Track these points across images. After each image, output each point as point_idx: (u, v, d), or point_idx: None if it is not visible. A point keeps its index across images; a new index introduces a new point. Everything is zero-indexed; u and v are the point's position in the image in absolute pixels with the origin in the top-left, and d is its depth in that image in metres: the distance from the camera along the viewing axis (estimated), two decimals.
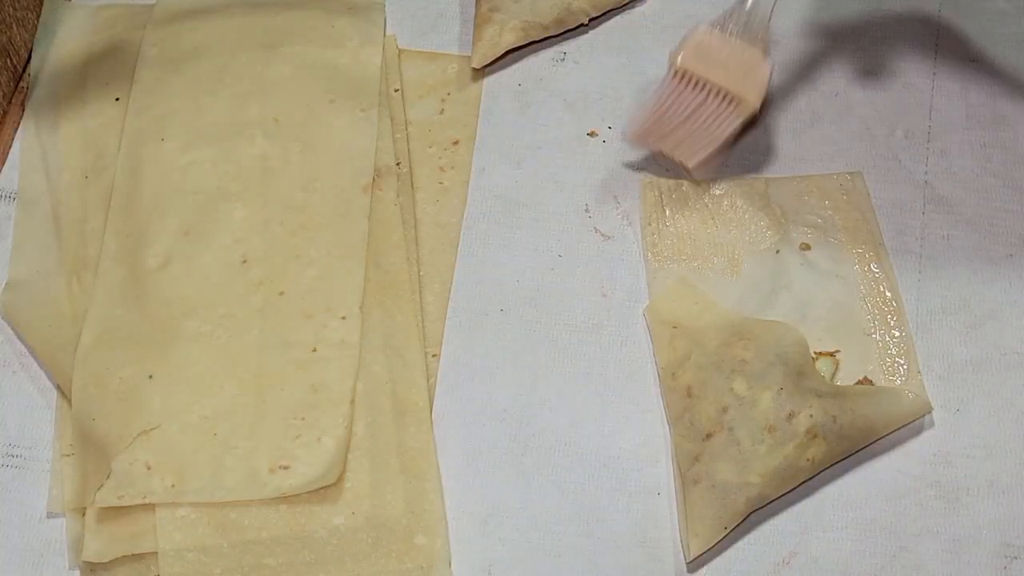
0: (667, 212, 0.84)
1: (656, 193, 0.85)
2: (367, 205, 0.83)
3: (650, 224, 0.84)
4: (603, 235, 0.85)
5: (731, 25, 0.81)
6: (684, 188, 0.85)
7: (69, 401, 0.77)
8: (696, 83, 0.82)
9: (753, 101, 0.81)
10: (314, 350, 0.78)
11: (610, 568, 0.74)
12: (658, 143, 0.84)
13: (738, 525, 0.73)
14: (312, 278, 0.80)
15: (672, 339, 0.79)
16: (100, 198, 0.84)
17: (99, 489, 0.73)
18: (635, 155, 0.87)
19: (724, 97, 0.81)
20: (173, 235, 0.82)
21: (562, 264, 0.84)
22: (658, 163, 0.86)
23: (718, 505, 0.73)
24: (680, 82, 0.82)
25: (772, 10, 0.81)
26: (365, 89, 0.88)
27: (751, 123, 0.85)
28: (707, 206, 0.84)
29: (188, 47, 0.90)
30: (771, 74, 0.82)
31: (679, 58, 0.81)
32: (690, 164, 0.83)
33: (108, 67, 0.90)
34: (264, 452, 0.74)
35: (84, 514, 0.73)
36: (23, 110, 0.90)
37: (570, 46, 0.92)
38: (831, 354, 0.79)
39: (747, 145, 0.87)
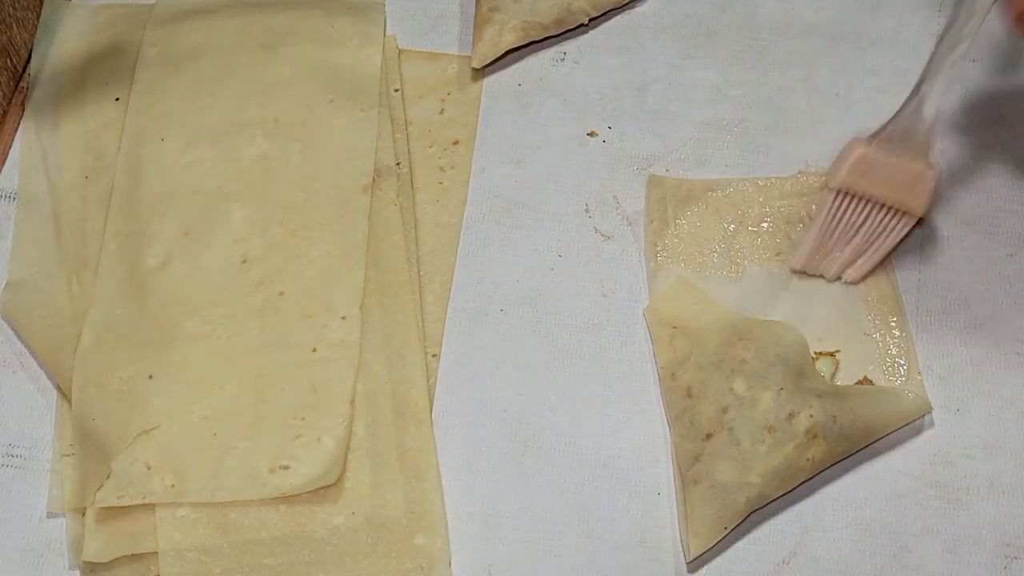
0: (669, 211, 0.84)
1: (660, 191, 0.85)
2: (367, 205, 0.83)
3: (652, 223, 0.84)
4: (603, 235, 0.85)
5: (891, 134, 0.78)
6: (687, 188, 0.85)
7: (69, 401, 0.77)
8: (858, 201, 0.78)
9: (918, 212, 0.78)
10: (314, 350, 0.78)
11: (610, 568, 0.74)
12: (823, 266, 0.81)
13: (738, 525, 0.73)
14: (312, 278, 0.80)
15: (672, 339, 0.79)
16: (100, 198, 0.84)
17: (99, 489, 0.73)
18: (636, 155, 0.87)
19: (888, 211, 0.78)
20: (173, 235, 0.82)
21: (562, 264, 0.84)
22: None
23: (718, 505, 0.73)
24: (842, 201, 0.79)
25: (936, 116, 0.77)
26: (365, 89, 0.88)
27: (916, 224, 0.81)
28: (708, 206, 0.84)
29: (188, 47, 0.90)
30: (937, 183, 0.78)
31: (838, 178, 0.78)
32: (855, 279, 0.81)
33: (108, 67, 0.90)
34: (264, 452, 0.74)
35: (84, 514, 0.74)
36: (23, 110, 0.90)
37: (570, 46, 0.92)
38: (831, 354, 0.79)
39: (748, 145, 0.87)
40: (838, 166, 0.78)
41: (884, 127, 0.78)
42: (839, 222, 0.79)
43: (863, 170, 0.78)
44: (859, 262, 0.81)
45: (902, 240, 0.80)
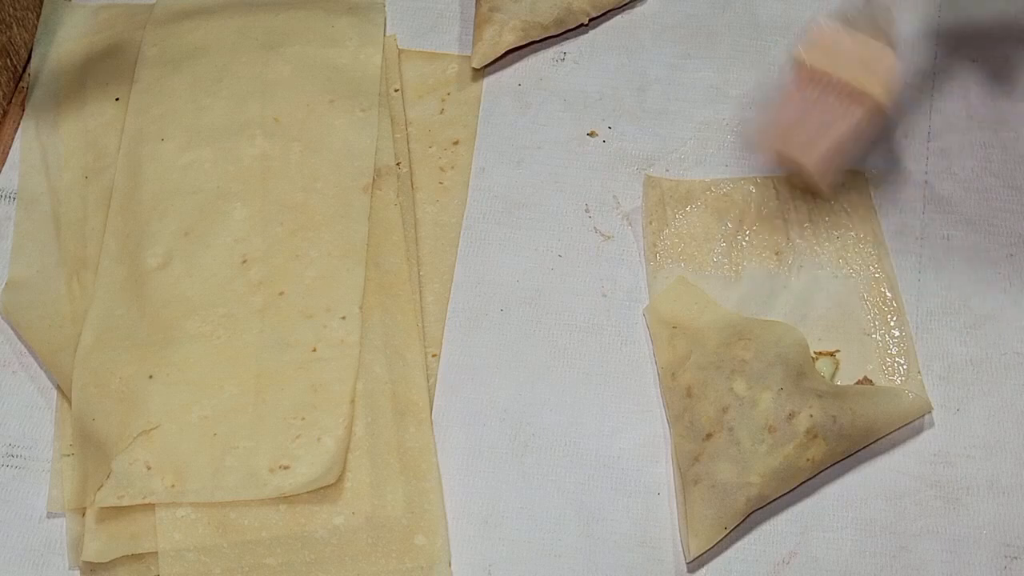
0: (668, 211, 0.84)
1: (658, 192, 0.85)
2: (367, 205, 0.83)
3: (651, 223, 0.84)
4: (603, 235, 0.85)
5: (855, 18, 0.79)
6: (686, 187, 0.85)
7: (69, 401, 0.77)
8: (818, 79, 0.79)
9: (877, 94, 0.78)
10: (314, 350, 0.78)
11: (610, 568, 0.74)
12: (779, 145, 0.81)
13: (738, 525, 0.73)
14: (312, 278, 0.80)
15: (672, 339, 0.79)
16: (100, 198, 0.84)
17: (99, 489, 0.73)
18: (635, 155, 0.87)
19: (846, 91, 0.79)
20: (173, 235, 0.82)
21: (562, 264, 0.84)
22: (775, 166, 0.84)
23: (718, 505, 0.73)
24: (801, 78, 0.79)
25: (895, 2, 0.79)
26: (365, 89, 0.88)
27: (881, 123, 0.81)
28: (708, 206, 0.84)
29: (188, 47, 0.90)
30: (897, 68, 0.78)
31: (799, 52, 0.79)
32: (809, 162, 0.80)
33: (108, 67, 0.90)
34: (264, 452, 0.74)
35: (84, 514, 0.74)
36: (23, 110, 0.90)
37: (570, 46, 0.92)
38: (831, 354, 0.79)
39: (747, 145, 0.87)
40: (801, 42, 0.79)
41: (848, 8, 0.79)
42: (796, 99, 0.79)
43: (823, 46, 0.79)
44: (815, 146, 0.79)
45: (873, 137, 0.81)
